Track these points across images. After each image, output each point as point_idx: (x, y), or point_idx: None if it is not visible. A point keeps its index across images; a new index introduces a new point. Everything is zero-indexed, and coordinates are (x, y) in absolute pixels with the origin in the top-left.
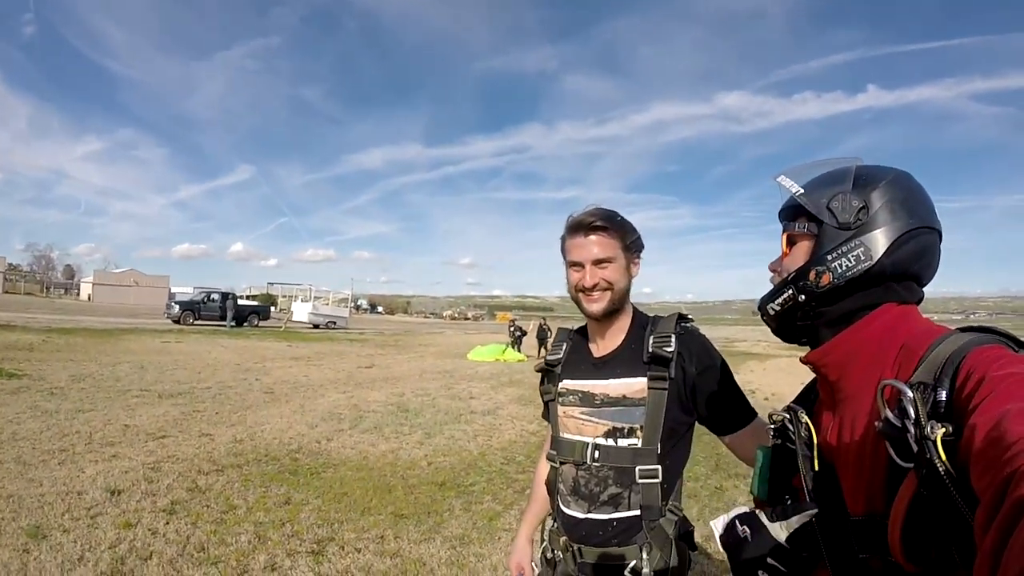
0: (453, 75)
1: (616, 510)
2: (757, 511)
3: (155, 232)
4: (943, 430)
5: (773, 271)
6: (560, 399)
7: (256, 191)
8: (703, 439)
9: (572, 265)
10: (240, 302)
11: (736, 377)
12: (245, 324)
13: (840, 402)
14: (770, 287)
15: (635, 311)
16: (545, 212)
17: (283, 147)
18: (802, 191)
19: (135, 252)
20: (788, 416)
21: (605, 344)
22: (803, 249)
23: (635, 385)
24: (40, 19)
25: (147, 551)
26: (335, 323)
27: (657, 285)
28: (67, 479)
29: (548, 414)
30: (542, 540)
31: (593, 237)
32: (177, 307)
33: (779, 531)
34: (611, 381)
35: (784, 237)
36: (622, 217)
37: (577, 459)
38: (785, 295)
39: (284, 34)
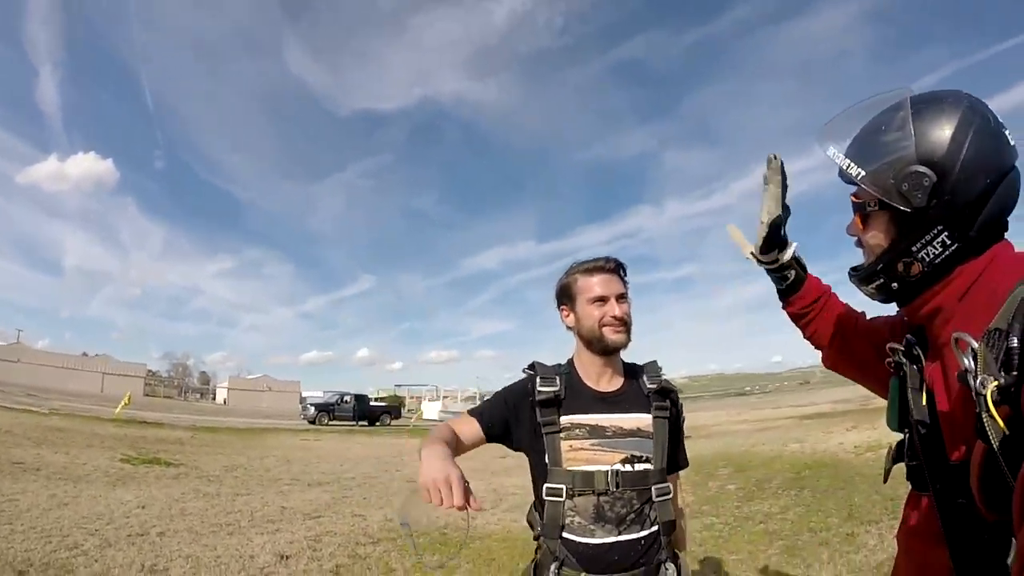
0: (556, 168)
1: (642, 528)
2: None
3: (284, 340)
4: (995, 384)
5: (852, 236)
6: (563, 433)
7: (379, 298)
8: (837, 494)
9: (595, 300)
10: (371, 403)
11: None
12: (377, 423)
13: (938, 349)
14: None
15: None
16: (662, 293)
17: (402, 255)
18: (863, 173)
19: (266, 359)
20: (903, 348)
21: (609, 381)
22: (881, 228)
23: (645, 420)
24: (169, 155)
25: None
26: None
27: (785, 353)
28: (238, 546)
29: (544, 447)
30: None
31: (616, 276)
32: (313, 408)
33: None
34: (624, 415)
35: (852, 203)
36: None
37: (599, 488)
38: (878, 283)
39: (392, 151)
